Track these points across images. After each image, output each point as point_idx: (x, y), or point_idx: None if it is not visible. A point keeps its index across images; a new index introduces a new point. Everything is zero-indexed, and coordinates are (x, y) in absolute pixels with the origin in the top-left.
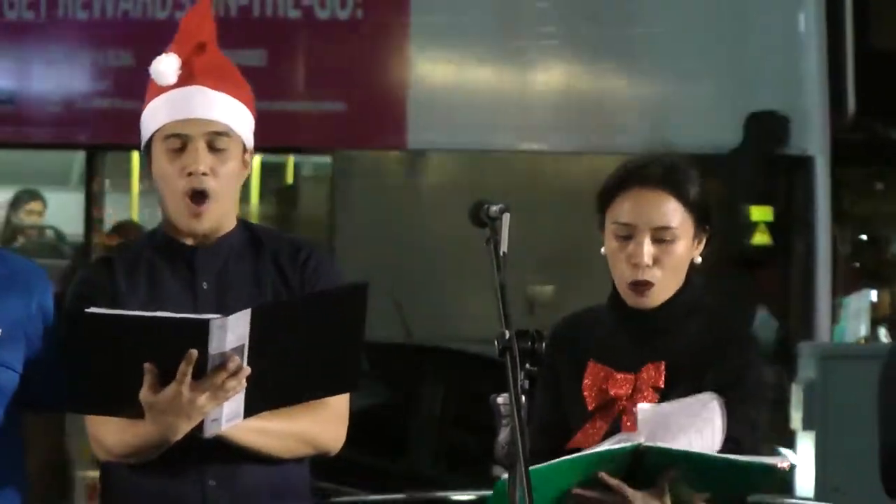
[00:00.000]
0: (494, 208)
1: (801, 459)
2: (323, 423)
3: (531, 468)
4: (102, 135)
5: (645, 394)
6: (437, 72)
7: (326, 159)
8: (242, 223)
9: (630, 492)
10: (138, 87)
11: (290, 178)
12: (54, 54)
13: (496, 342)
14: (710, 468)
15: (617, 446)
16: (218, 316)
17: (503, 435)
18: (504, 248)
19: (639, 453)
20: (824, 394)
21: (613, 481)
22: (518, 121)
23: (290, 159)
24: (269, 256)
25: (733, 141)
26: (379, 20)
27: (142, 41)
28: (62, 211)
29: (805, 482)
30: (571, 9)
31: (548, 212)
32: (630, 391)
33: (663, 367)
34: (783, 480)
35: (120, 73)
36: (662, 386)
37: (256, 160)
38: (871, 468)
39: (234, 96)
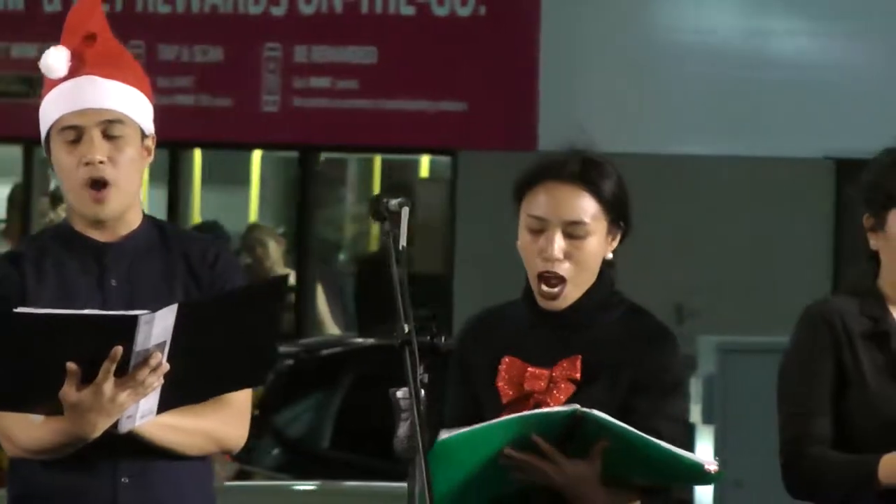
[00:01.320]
0: (394, 202)
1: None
2: (228, 422)
3: (468, 429)
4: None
5: (561, 387)
6: (570, 69)
7: (445, 160)
8: (150, 220)
9: (561, 458)
10: (222, 82)
11: (405, 179)
12: (134, 49)
13: (395, 336)
14: (641, 449)
15: (553, 409)
16: (145, 312)
17: (402, 429)
18: (403, 241)
19: (575, 420)
20: (724, 387)
21: (545, 446)
22: (661, 122)
23: (377, 159)
24: (179, 254)
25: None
26: (505, 16)
27: (231, 36)
28: None
29: None
30: (722, 3)
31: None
32: (545, 386)
33: (579, 362)
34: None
35: (205, 68)
36: (579, 378)
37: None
38: (772, 462)
39: (127, 83)
